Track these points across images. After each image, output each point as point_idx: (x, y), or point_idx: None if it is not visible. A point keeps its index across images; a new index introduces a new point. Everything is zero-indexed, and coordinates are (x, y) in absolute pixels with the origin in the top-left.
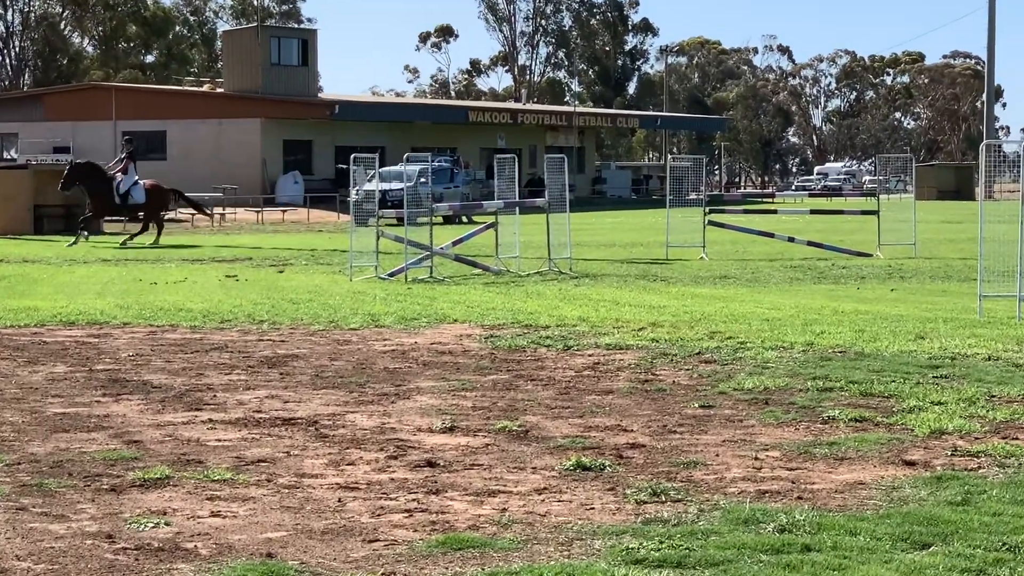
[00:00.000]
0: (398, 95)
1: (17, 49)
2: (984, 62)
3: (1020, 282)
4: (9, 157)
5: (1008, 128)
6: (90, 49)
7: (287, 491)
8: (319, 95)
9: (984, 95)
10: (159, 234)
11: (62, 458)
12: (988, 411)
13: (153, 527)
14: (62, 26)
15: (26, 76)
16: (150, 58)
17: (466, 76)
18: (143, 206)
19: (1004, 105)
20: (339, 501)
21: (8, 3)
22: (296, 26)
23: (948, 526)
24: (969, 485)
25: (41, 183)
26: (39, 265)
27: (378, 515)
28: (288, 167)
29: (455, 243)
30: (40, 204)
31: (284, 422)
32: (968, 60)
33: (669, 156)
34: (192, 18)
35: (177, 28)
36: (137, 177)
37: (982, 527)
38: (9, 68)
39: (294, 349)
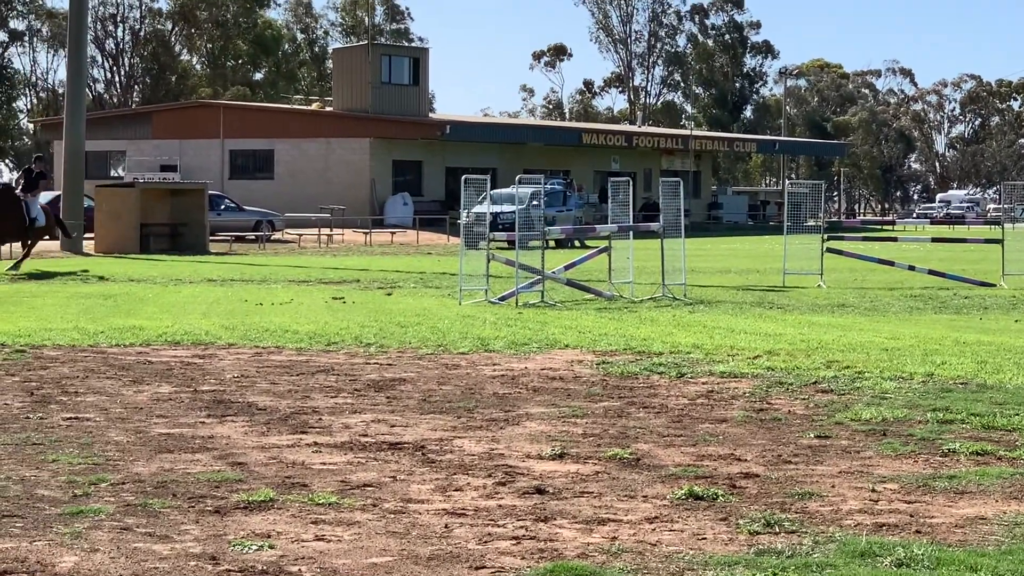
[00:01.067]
0: (510, 116)
1: (127, 66)
2: None
3: None
4: (116, 175)
5: None
6: (199, 67)
7: (393, 516)
8: (430, 115)
9: None
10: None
11: (166, 479)
12: None
13: (257, 550)
14: (171, 43)
15: (135, 94)
16: (259, 76)
17: (580, 97)
18: (44, 228)
19: None
20: (446, 527)
21: (118, 20)
22: (407, 44)
23: None
24: None
25: (148, 202)
26: (145, 284)
27: (485, 542)
28: (397, 188)
29: (567, 267)
30: (146, 223)
31: (390, 446)
32: None
33: (787, 181)
34: (301, 36)
35: (286, 46)
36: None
37: None
38: (118, 85)
39: (402, 373)
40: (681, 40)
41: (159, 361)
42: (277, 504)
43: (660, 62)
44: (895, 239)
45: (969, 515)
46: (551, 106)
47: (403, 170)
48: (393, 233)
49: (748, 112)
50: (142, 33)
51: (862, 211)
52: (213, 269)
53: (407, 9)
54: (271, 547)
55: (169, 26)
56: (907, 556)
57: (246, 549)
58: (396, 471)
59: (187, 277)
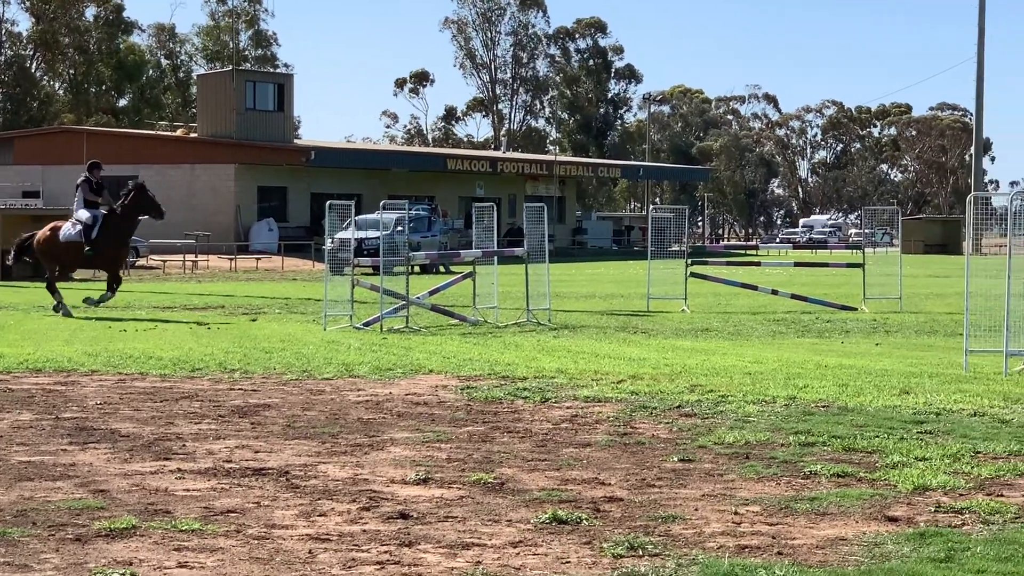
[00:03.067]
0: (374, 142)
1: None
2: (972, 114)
3: (1007, 337)
4: None
5: (997, 182)
6: (61, 92)
7: (256, 542)
8: (295, 141)
9: (972, 147)
10: None
11: (26, 507)
12: (973, 467)
13: None
14: (32, 69)
15: None
16: (123, 102)
17: (442, 123)
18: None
19: (992, 159)
20: (309, 552)
21: None
22: (272, 71)
23: None
24: (952, 542)
25: (10, 228)
26: (6, 311)
27: (349, 567)
28: (262, 214)
29: (432, 293)
30: (8, 250)
31: (254, 472)
32: (956, 112)
33: (651, 206)
34: (166, 61)
35: (150, 71)
36: None
37: None
38: None
39: (266, 399)
40: (544, 65)
41: (20, 388)
42: (139, 531)
43: (524, 88)
44: (758, 264)
45: (830, 536)
46: (413, 132)
47: (268, 196)
48: (258, 259)
49: (613, 137)
50: (2, 58)
51: (726, 236)
52: (77, 296)
53: (274, 34)
54: (133, 574)
55: (30, 51)
56: None
57: None
58: (260, 497)
59: (50, 303)
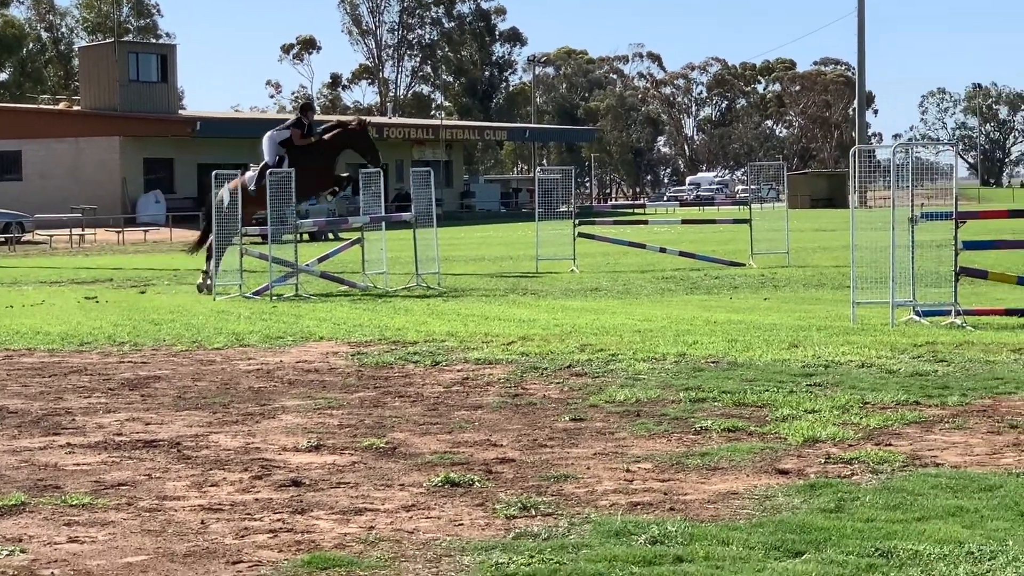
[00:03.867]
0: (260, 111)
1: None
2: (855, 68)
3: (892, 288)
4: None
5: (880, 135)
6: None
7: (148, 514)
8: (180, 112)
9: (855, 102)
10: None
11: None
12: (861, 418)
13: (8, 555)
14: None
15: None
16: (2, 76)
17: (329, 90)
18: None
19: (876, 112)
20: (202, 523)
21: None
22: (155, 41)
23: (821, 533)
24: (842, 492)
25: None
26: None
27: (242, 536)
28: (149, 186)
29: (321, 260)
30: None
31: (145, 444)
32: (839, 67)
33: (538, 168)
34: (46, 34)
35: (30, 45)
36: None
37: (855, 533)
38: None
39: (156, 371)
40: (430, 31)
41: None
42: (29, 507)
43: (410, 53)
44: (646, 222)
45: (721, 491)
46: (299, 100)
47: (154, 168)
48: (146, 231)
49: (499, 100)
50: None
51: (614, 196)
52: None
53: (156, 4)
54: (23, 551)
55: None
56: (661, 533)
57: None
58: (151, 469)
59: None
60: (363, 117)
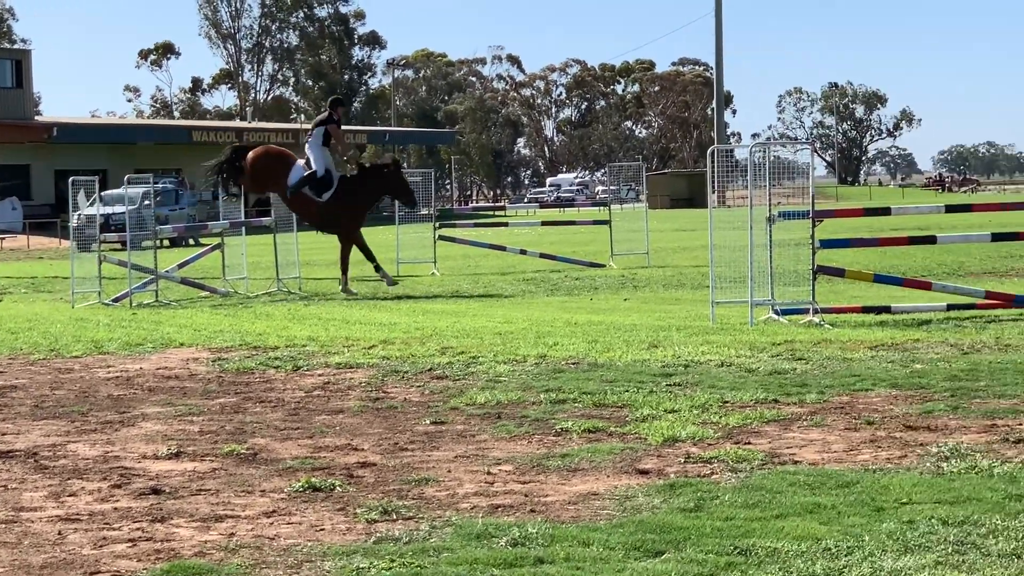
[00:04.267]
0: (119, 117)
1: None
2: (713, 69)
3: (751, 287)
4: None
5: (739, 134)
6: None
7: (4, 526)
8: (36, 118)
9: (714, 102)
10: None
11: None
12: (721, 417)
13: None
14: None
15: None
16: None
17: (188, 95)
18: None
19: (734, 112)
20: (59, 534)
21: None
22: (9, 47)
23: (681, 533)
24: (702, 491)
25: None
26: None
27: (100, 546)
28: (5, 193)
29: (181, 266)
30: None
31: (1, 455)
32: (698, 67)
33: None
34: None
35: None
36: None
37: (714, 532)
38: None
39: (12, 380)
40: (289, 35)
41: None
42: None
43: (271, 57)
44: (507, 224)
45: (582, 491)
46: (158, 105)
47: (10, 174)
48: (2, 239)
49: (358, 104)
50: None
51: (475, 198)
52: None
53: (10, 9)
54: None
55: None
56: (522, 535)
57: None
58: (7, 480)
59: None
60: (396, 157)
